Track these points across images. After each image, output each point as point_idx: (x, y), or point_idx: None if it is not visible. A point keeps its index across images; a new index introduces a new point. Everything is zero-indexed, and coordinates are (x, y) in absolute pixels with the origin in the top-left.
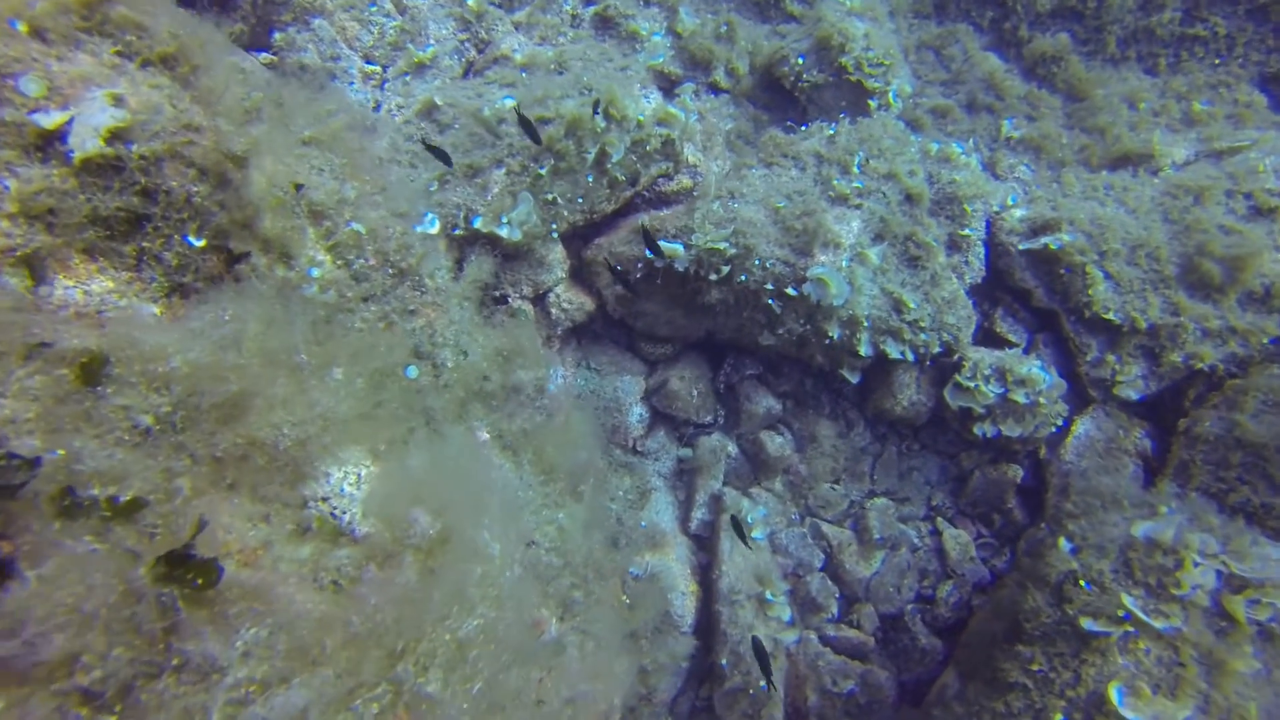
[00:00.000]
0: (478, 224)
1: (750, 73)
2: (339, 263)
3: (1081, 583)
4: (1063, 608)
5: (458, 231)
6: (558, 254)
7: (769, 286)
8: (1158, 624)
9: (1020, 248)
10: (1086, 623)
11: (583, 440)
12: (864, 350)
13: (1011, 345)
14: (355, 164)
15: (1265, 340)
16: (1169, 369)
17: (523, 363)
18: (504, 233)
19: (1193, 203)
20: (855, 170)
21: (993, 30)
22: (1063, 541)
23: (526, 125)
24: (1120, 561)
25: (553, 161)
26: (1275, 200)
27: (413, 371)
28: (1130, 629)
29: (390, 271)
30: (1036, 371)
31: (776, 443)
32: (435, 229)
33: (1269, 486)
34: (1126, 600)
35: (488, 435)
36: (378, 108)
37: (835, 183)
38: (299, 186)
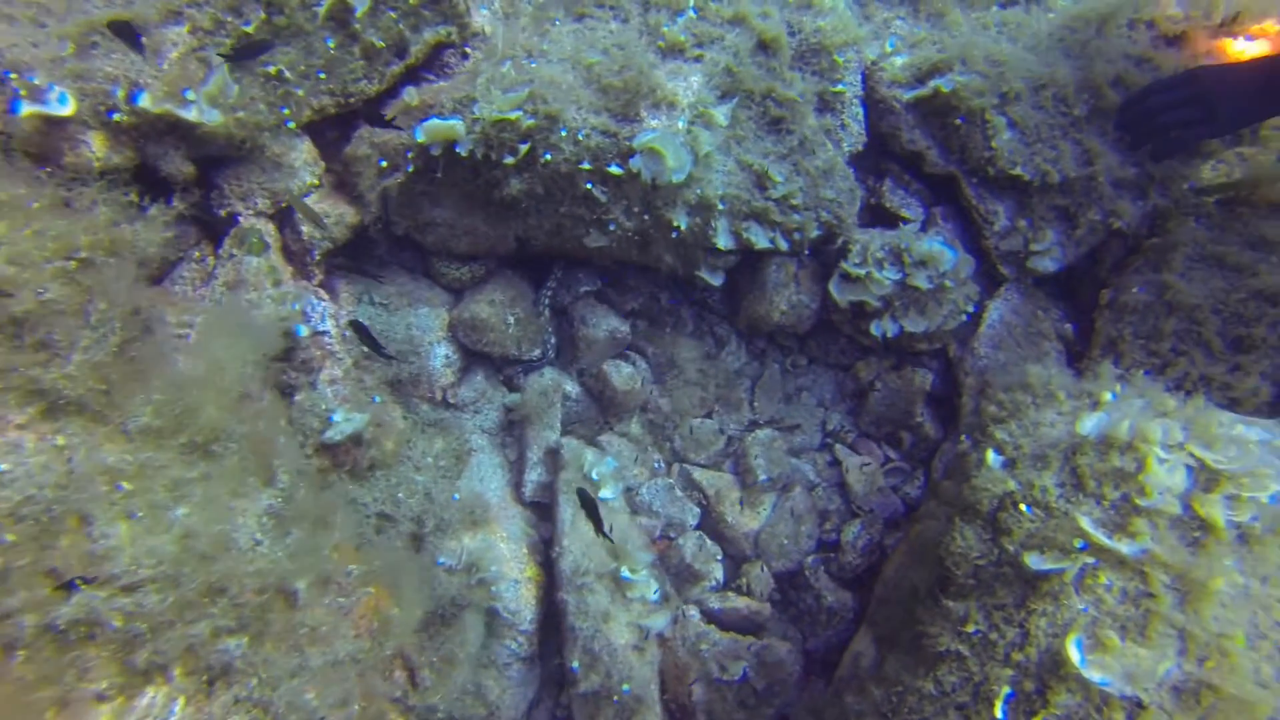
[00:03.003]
0: (143, 101)
1: None
2: None
3: (1022, 506)
4: (1000, 543)
5: (116, 116)
6: (303, 153)
7: (585, 165)
8: (1124, 547)
9: (905, 99)
10: (1032, 559)
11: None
12: (722, 241)
13: (906, 222)
14: None
15: (1185, 186)
16: (1086, 230)
17: (118, 273)
18: (192, 114)
19: (1094, 35)
20: (691, 14)
21: None
22: (991, 454)
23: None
24: (1067, 471)
25: (263, 14)
26: (1179, 27)
27: None
28: (1089, 560)
29: None
30: (938, 246)
31: (624, 373)
32: (68, 109)
33: (1206, 354)
34: (1084, 522)
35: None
36: None
37: (665, 30)
38: None
